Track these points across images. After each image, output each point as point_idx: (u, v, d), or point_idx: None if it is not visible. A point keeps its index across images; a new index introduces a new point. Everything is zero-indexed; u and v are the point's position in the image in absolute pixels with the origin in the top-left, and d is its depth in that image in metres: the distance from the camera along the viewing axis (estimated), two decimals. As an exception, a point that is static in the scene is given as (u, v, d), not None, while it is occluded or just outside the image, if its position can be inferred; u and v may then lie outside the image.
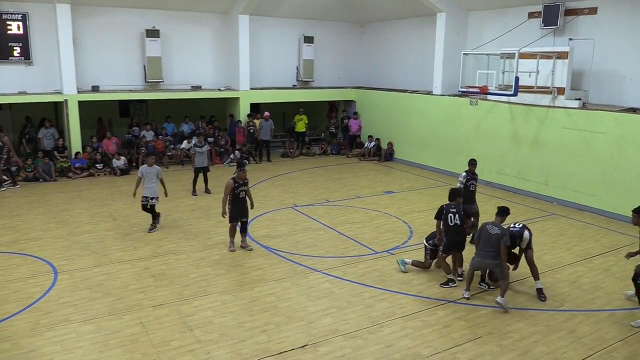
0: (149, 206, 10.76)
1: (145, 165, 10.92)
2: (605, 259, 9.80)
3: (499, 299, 7.60)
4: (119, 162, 16.26)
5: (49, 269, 8.86)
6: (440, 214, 8.36)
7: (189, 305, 7.60)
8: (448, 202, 8.52)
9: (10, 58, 15.95)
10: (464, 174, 10.15)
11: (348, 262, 9.34)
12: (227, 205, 9.58)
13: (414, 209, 12.90)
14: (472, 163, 10.28)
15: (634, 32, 12.65)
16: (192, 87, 18.67)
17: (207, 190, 13.99)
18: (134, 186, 10.92)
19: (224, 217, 9.69)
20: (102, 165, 16.21)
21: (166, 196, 11.27)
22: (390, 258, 9.57)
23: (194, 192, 13.90)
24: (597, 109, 12.73)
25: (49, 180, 15.21)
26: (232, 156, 18.15)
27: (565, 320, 7.43)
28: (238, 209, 9.62)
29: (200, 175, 13.98)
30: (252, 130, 18.49)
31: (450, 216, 8.25)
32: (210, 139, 18.32)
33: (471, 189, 10.12)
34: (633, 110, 12.31)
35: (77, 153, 16.04)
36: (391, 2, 18.64)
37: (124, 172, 16.20)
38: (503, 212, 8.00)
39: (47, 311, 7.34)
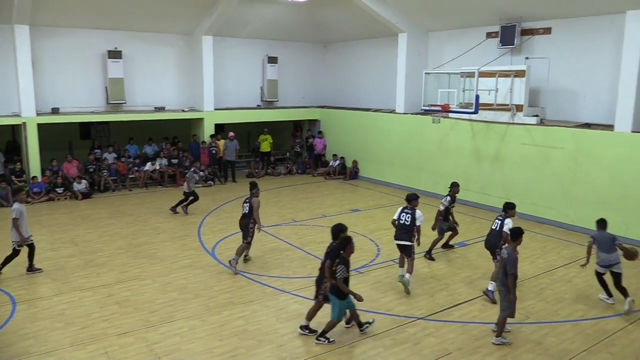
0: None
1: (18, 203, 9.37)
2: (567, 270, 10.07)
3: (494, 339, 7.23)
4: (80, 185, 15.85)
5: (6, 299, 8.51)
6: (330, 253, 7.27)
7: (156, 332, 7.42)
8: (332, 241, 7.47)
9: (-35, 80, 15.47)
10: (449, 198, 10.60)
11: (317, 282, 9.29)
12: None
13: (380, 226, 12.98)
14: (455, 185, 10.70)
15: (586, 51, 13.21)
16: (155, 108, 18.46)
17: (185, 211, 14.01)
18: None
19: (258, 232, 10.05)
20: (62, 189, 15.77)
21: None
22: (358, 277, 9.58)
23: (174, 210, 13.96)
24: (554, 125, 13.18)
25: (6, 205, 14.68)
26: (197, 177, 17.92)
27: (531, 332, 7.58)
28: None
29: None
30: (214, 151, 18.36)
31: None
32: (175, 161, 18.14)
33: (451, 211, 10.73)
34: (587, 125, 12.80)
35: (33, 177, 15.54)
36: (354, 23, 18.96)
37: (86, 196, 15.80)
38: (517, 234, 7.27)
39: (6, 344, 7.04)
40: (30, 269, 9.65)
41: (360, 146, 19.08)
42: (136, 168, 17.56)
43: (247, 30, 19.65)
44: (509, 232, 7.84)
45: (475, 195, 14.98)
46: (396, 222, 9.07)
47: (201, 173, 17.80)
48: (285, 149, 22.45)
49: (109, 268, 9.93)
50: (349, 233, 7.52)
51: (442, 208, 10.53)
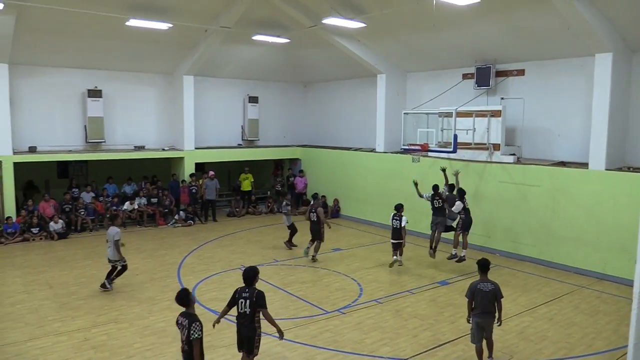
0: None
1: None
2: (548, 308, 10.10)
3: None
4: (57, 225, 15.53)
5: (-24, 345, 8.19)
6: (233, 298, 6.73)
7: (133, 377, 7.17)
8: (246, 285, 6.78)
9: (-60, 119, 15.22)
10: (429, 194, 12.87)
11: (299, 324, 9.16)
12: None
13: (362, 265, 12.93)
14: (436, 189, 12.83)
15: (558, 91, 13.64)
16: (135, 147, 18.36)
17: (289, 246, 14.65)
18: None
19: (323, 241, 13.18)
20: (38, 229, 15.42)
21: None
22: (340, 317, 9.46)
23: (290, 245, 14.68)
24: (530, 164, 13.45)
25: (-21, 247, 14.32)
26: (176, 217, 17.76)
27: (516, 372, 7.52)
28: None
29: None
30: (194, 191, 18.25)
31: (242, 302, 6.61)
32: (154, 200, 17.95)
33: (436, 205, 12.76)
34: (563, 163, 13.09)
35: (7, 218, 15.18)
36: (333, 64, 19.34)
37: (62, 236, 15.47)
38: (486, 266, 7.60)
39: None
40: (105, 285, 10.69)
41: (341, 185, 19.17)
42: (114, 207, 17.30)
43: (228, 70, 19.88)
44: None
45: (455, 233, 15.04)
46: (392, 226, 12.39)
47: (181, 213, 17.69)
48: (266, 188, 22.42)
49: (85, 311, 9.65)
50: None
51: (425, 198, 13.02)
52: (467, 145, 14.04)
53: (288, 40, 17.31)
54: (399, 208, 12.42)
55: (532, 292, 11.02)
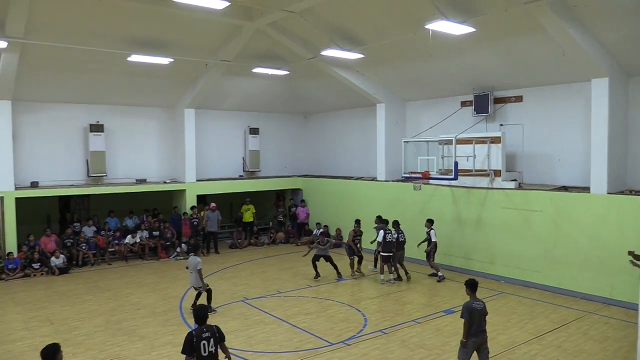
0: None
1: None
2: (556, 335, 9.94)
3: None
4: (58, 260, 15.44)
5: (-25, 384, 8.05)
6: (190, 344, 6.39)
7: (135, 415, 7.02)
8: (200, 326, 6.64)
9: (-57, 155, 15.31)
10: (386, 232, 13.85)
11: (304, 357, 9.00)
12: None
13: (367, 295, 12.80)
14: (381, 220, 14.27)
15: (557, 117, 13.73)
16: (136, 180, 18.41)
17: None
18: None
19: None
20: (39, 264, 15.33)
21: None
22: (345, 349, 9.32)
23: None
24: (531, 189, 13.44)
25: (-21, 284, 14.22)
26: (178, 249, 17.68)
27: (526, 402, 7.35)
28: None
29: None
30: (195, 223, 18.21)
31: (204, 344, 6.42)
32: (156, 233, 17.90)
33: (400, 239, 14.13)
34: (565, 188, 13.08)
35: (9, 253, 15.10)
36: (333, 95, 19.53)
37: (63, 271, 15.36)
38: (475, 286, 7.69)
39: None
40: (212, 309, 11.21)
41: (344, 214, 19.11)
42: (116, 241, 17.25)
43: (229, 103, 20.08)
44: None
45: (459, 261, 14.97)
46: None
47: (183, 246, 17.60)
48: (268, 219, 22.36)
49: (86, 347, 9.51)
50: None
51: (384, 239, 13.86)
52: (468, 172, 14.06)
53: (287, 72, 17.53)
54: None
55: (539, 319, 10.86)
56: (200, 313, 6.61)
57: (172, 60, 15.02)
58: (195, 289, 11.52)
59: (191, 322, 10.87)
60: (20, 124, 16.24)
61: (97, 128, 17.30)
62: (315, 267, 14.39)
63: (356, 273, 14.78)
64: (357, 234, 15.10)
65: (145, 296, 12.87)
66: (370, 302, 12.17)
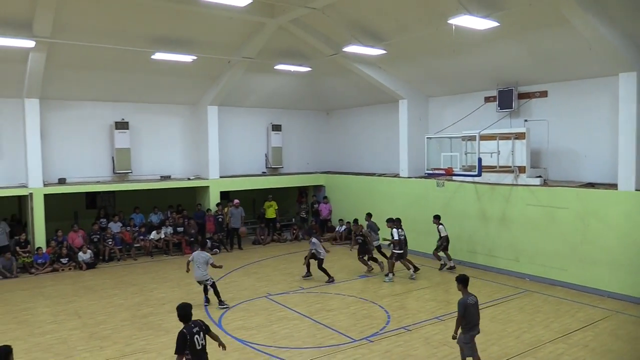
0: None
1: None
2: (583, 334, 9.78)
3: None
4: (85, 255, 15.76)
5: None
6: (184, 342, 6.48)
7: (161, 408, 7.14)
8: (186, 324, 6.72)
9: (-26, 154, 15.76)
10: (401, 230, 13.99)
11: (326, 353, 9.04)
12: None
13: (390, 292, 12.77)
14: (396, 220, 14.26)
15: (583, 112, 13.46)
16: (161, 177, 18.66)
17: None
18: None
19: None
20: (67, 259, 15.67)
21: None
22: (368, 345, 9.32)
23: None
24: (557, 186, 13.22)
25: (10, 277, 14.58)
26: (202, 245, 17.85)
27: (551, 402, 7.26)
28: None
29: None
30: (220, 219, 18.37)
31: (197, 339, 6.54)
32: (180, 229, 18.12)
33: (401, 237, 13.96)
34: (591, 185, 12.84)
35: (38, 248, 15.48)
36: (354, 91, 19.48)
37: (90, 266, 15.68)
38: (467, 281, 7.89)
39: None
40: (224, 303, 11.72)
41: (366, 211, 19.01)
42: (142, 237, 17.52)
43: (252, 100, 20.19)
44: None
45: (483, 258, 14.83)
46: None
47: (207, 242, 17.77)
48: (290, 215, 22.44)
49: (113, 341, 9.70)
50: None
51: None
52: (492, 169, 13.91)
53: (310, 69, 17.56)
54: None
55: (565, 318, 10.70)
56: (184, 312, 6.71)
57: (195, 57, 15.17)
58: (201, 283, 11.76)
59: (214, 315, 11.04)
60: (48, 122, 16.60)
61: (122, 125, 17.59)
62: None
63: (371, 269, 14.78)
64: (356, 233, 15.16)
65: (170, 291, 13.06)
66: (393, 299, 12.14)
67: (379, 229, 15.10)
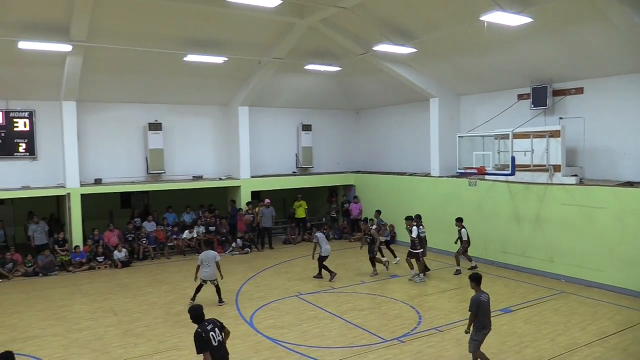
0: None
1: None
2: (621, 337, 9.50)
3: None
4: (120, 254, 16.13)
5: (47, 370, 8.52)
6: (202, 340, 6.47)
7: (194, 405, 7.24)
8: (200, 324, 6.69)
9: (15, 154, 16.31)
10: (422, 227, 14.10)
11: (357, 352, 9.02)
12: None
13: (421, 292, 12.67)
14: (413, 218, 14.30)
15: (620, 108, 13.08)
16: (193, 177, 18.94)
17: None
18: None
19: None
20: (103, 257, 16.07)
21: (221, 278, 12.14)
22: (400, 346, 9.27)
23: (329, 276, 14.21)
24: (594, 185, 12.88)
25: (49, 274, 15.03)
26: (233, 245, 18.06)
27: (588, 406, 7.09)
28: None
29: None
30: (251, 218, 18.53)
31: (212, 335, 6.54)
32: (212, 228, 18.36)
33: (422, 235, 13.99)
34: (630, 184, 12.46)
35: (76, 247, 15.92)
36: (385, 90, 19.39)
37: (125, 264, 16.03)
38: (480, 279, 8.08)
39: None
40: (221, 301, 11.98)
41: (397, 210, 18.88)
42: (174, 236, 17.82)
43: (282, 100, 20.30)
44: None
45: (516, 258, 14.56)
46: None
47: (238, 241, 17.95)
48: (320, 215, 22.48)
49: (147, 338, 9.90)
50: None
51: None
52: (525, 167, 13.64)
53: (339, 68, 17.55)
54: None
55: (602, 320, 10.42)
56: (197, 313, 6.76)
57: (226, 59, 15.36)
58: (211, 282, 11.92)
59: (246, 313, 11.14)
60: (84, 123, 17.04)
61: (155, 127, 17.94)
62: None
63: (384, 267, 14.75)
64: (365, 232, 15.06)
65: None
66: (425, 300, 12.04)
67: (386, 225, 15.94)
